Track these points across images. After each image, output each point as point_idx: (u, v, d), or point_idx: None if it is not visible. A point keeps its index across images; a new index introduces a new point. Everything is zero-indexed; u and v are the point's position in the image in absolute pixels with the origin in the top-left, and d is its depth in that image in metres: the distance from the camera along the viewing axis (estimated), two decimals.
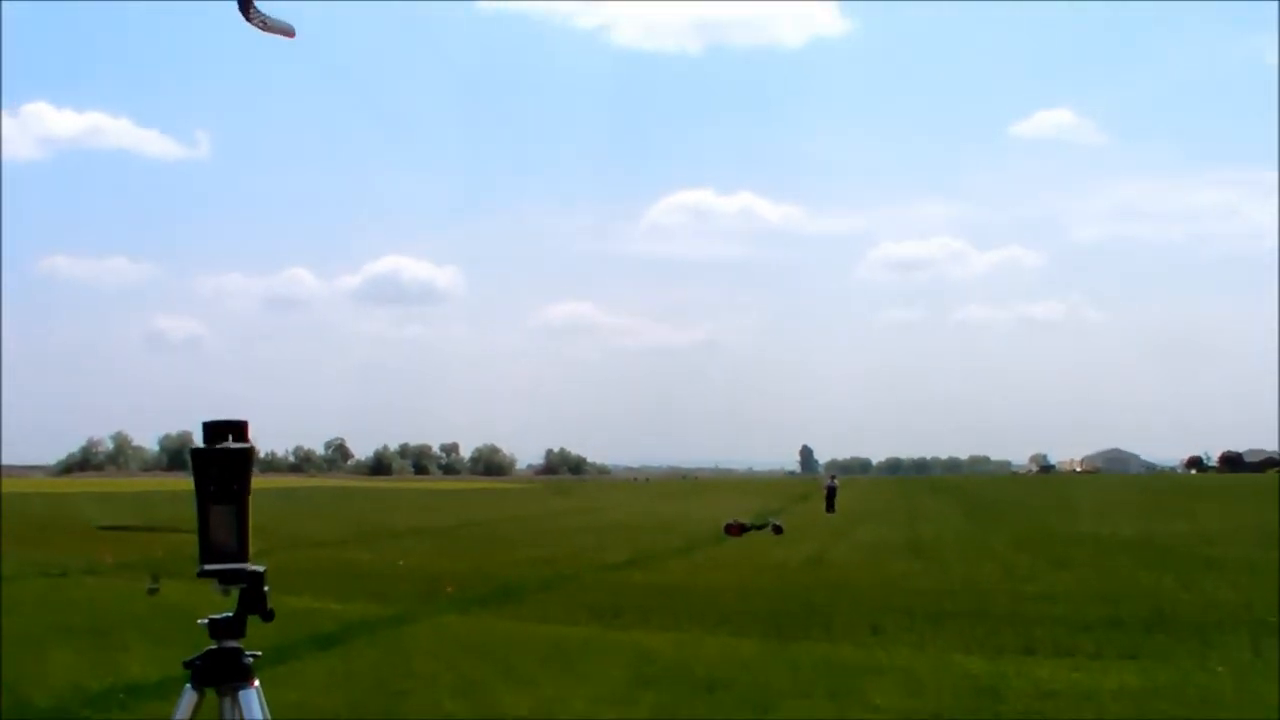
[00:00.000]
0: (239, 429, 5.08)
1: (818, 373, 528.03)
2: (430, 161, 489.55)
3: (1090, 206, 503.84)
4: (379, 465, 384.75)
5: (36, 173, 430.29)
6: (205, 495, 5.05)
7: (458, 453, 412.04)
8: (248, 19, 10.91)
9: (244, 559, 5.13)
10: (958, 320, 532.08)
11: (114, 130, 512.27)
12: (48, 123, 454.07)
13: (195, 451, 5.06)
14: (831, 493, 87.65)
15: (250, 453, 5.06)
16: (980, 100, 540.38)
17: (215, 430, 5.06)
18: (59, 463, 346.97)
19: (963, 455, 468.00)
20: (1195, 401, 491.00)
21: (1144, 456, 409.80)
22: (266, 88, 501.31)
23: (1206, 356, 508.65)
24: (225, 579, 5.16)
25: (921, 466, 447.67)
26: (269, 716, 5.29)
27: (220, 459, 5.00)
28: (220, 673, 5.24)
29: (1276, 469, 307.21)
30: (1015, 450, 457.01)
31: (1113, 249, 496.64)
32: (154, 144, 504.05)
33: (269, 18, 11.51)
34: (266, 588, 5.20)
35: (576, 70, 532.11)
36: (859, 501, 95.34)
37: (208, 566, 5.14)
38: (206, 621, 5.25)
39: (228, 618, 5.23)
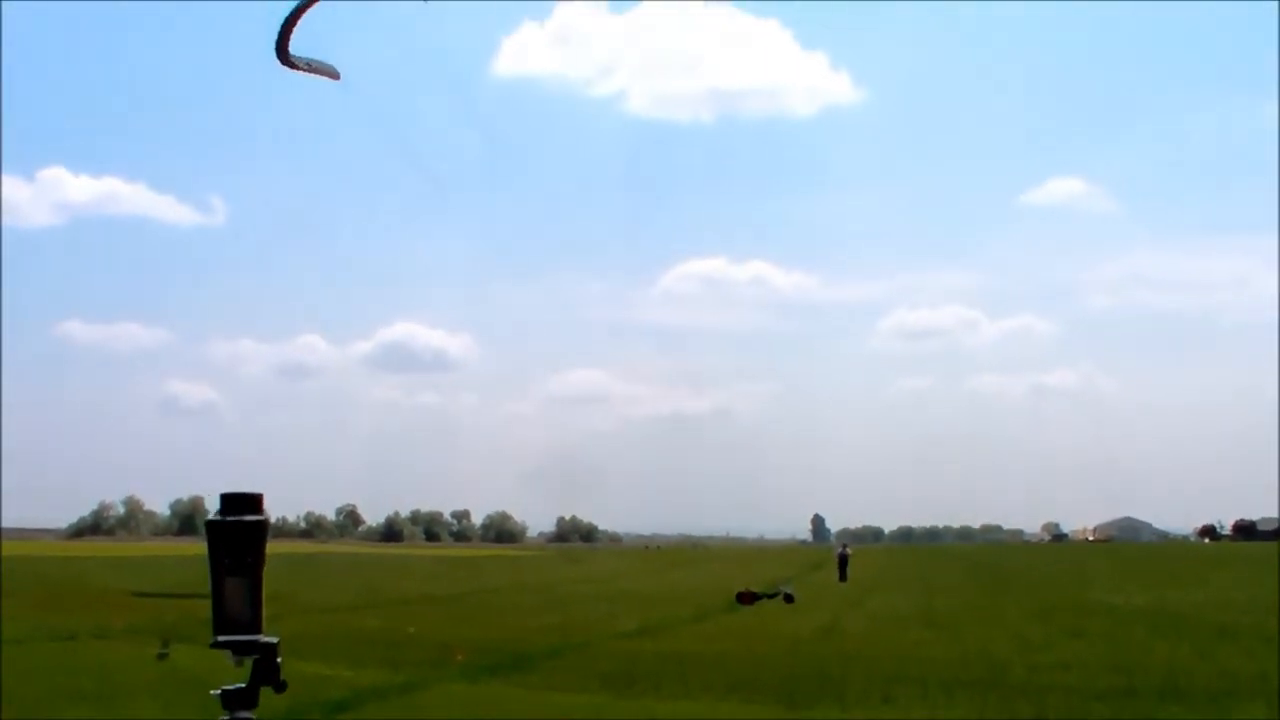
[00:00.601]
0: (255, 502, 5.13)
1: (829, 441, 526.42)
2: (443, 228, 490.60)
3: (1103, 274, 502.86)
4: (390, 531, 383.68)
5: (52, 238, 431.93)
6: (220, 567, 5.10)
7: (469, 519, 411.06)
8: (286, 63, 10.98)
9: (257, 630, 5.17)
10: (970, 388, 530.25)
11: (130, 195, 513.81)
12: (64, 187, 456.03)
13: (210, 523, 5.11)
14: (844, 561, 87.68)
15: (265, 526, 5.11)
16: (992, 168, 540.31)
17: (232, 502, 5.11)
18: (70, 526, 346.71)
19: (975, 523, 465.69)
20: (1208, 470, 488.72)
21: (1156, 525, 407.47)
22: (281, 154, 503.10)
23: (1219, 425, 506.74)
24: (239, 650, 5.20)
25: (934, 535, 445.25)
26: None
27: (235, 531, 5.05)
28: None
29: None
30: (1027, 518, 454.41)
31: (1125, 317, 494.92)
32: (169, 210, 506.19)
33: (312, 60, 11.61)
34: (279, 659, 5.24)
35: (591, 138, 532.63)
36: (871, 570, 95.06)
37: (221, 638, 5.18)
38: (220, 693, 5.28)
39: (241, 689, 5.26)
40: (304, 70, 11.06)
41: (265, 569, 5.23)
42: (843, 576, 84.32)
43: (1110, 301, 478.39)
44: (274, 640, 5.22)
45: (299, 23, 11.24)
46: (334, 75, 11.24)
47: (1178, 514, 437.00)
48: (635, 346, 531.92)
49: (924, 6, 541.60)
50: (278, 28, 11.27)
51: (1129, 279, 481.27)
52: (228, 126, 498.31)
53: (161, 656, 29.17)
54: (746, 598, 57.79)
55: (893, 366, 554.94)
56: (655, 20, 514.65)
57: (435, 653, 31.34)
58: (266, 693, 5.32)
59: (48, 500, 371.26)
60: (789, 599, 58.22)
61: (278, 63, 11.37)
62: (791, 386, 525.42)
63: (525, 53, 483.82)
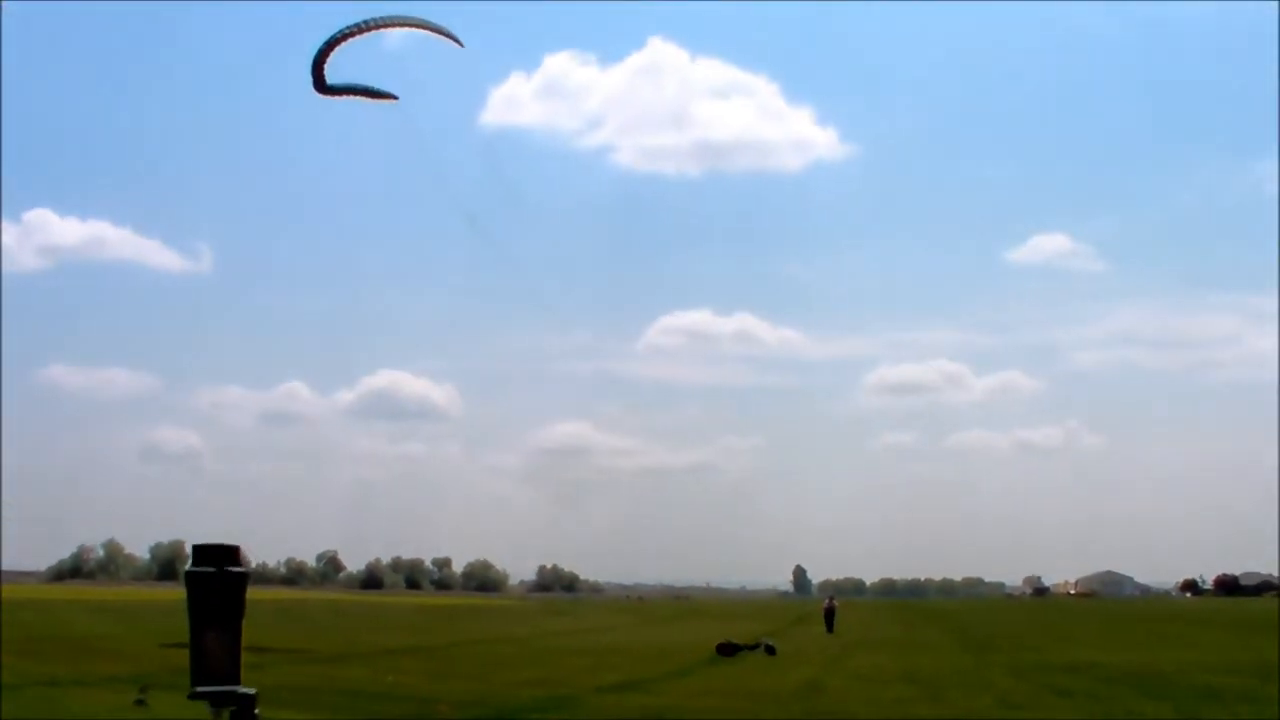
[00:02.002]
0: (231, 553, 5.08)
1: (812, 493, 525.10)
2: (429, 278, 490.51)
3: (1089, 332, 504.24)
4: (371, 579, 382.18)
5: (37, 282, 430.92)
6: (199, 617, 5.04)
7: (450, 567, 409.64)
8: (325, 92, 10.93)
9: (235, 681, 5.12)
10: (954, 444, 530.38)
11: (116, 240, 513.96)
12: (50, 230, 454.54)
13: (190, 574, 5.06)
14: (830, 613, 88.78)
15: (245, 578, 5.07)
16: (978, 225, 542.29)
17: (206, 554, 5.06)
18: (49, 569, 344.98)
19: (956, 576, 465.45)
20: (1190, 525, 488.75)
21: (1138, 579, 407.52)
22: (268, 201, 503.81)
23: (1203, 481, 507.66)
24: (217, 701, 5.14)
25: (916, 588, 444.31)
26: None
27: (215, 583, 5.00)
28: None
29: (1274, 593, 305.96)
30: (1009, 571, 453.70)
31: (1111, 375, 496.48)
32: (155, 255, 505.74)
33: (370, 86, 11.65)
34: (257, 710, 5.18)
35: (576, 191, 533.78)
36: (855, 627, 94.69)
37: (200, 689, 5.12)
38: None
39: None
40: (362, 95, 11.09)
41: (245, 619, 5.18)
42: (830, 628, 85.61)
43: (1096, 359, 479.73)
44: (252, 692, 5.16)
45: (331, 54, 11.29)
46: (393, 97, 11.29)
47: (1160, 568, 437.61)
48: (619, 399, 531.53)
49: (911, 63, 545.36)
50: (313, 60, 11.32)
51: (1114, 336, 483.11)
52: (216, 172, 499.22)
53: (139, 704, 28.97)
54: (727, 649, 57.62)
55: (878, 422, 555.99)
56: (643, 73, 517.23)
57: (417, 706, 31.16)
58: None
59: (27, 543, 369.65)
60: (770, 650, 58.07)
61: (317, 93, 11.41)
62: (776, 440, 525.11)
63: (513, 104, 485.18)
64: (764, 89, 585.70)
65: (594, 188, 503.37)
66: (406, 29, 12.14)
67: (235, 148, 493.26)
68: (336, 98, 11.70)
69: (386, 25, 11.60)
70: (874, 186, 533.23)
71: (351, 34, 11.04)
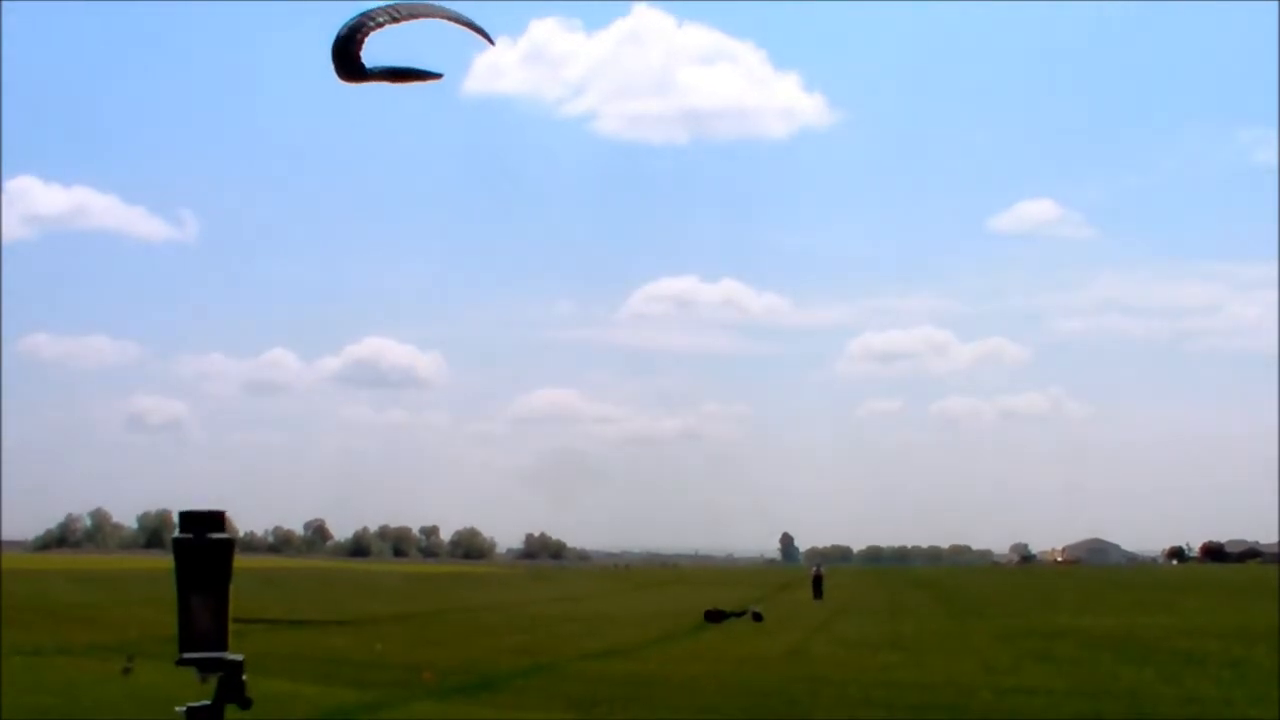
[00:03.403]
0: (217, 519, 5.11)
1: (799, 461, 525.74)
2: (414, 246, 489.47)
3: (1074, 300, 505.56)
4: (358, 547, 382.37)
5: (20, 251, 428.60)
6: (186, 584, 5.08)
7: (437, 535, 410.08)
8: (354, 78, 10.86)
9: (223, 648, 5.16)
10: (939, 411, 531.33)
11: (100, 208, 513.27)
12: (34, 198, 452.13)
13: (177, 541, 5.10)
14: (818, 580, 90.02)
15: (231, 544, 5.11)
16: (964, 191, 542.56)
17: (193, 520, 5.10)
18: (36, 539, 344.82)
19: (944, 544, 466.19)
20: (1176, 492, 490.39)
21: (1124, 546, 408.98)
22: (252, 169, 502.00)
23: (1188, 448, 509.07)
24: (204, 668, 5.18)
25: (902, 555, 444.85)
26: None
27: (201, 549, 5.04)
28: None
29: (1259, 560, 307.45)
30: (996, 539, 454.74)
31: (1096, 343, 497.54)
32: (140, 223, 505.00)
33: (414, 67, 11.58)
34: (245, 676, 5.22)
35: (561, 158, 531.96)
36: (841, 593, 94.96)
37: (187, 655, 5.17)
38: (185, 710, 5.26)
39: (206, 706, 5.24)
40: (412, 78, 11.02)
41: (232, 586, 5.22)
42: (818, 594, 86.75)
43: (1080, 326, 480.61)
44: (239, 658, 5.20)
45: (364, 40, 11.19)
46: (438, 76, 11.26)
47: (1146, 536, 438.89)
48: (605, 366, 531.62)
49: (899, 30, 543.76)
50: (338, 47, 11.18)
51: (1099, 304, 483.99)
52: (199, 140, 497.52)
53: (126, 672, 29.03)
54: (714, 616, 57.82)
55: (863, 389, 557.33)
56: (628, 40, 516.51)
57: (403, 673, 31.25)
58: (234, 712, 5.30)
59: (14, 513, 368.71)
60: (757, 618, 58.30)
61: (345, 80, 11.28)
62: (762, 408, 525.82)
63: (497, 71, 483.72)
64: (750, 56, 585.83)
65: (579, 155, 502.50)
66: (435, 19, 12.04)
67: (220, 115, 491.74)
68: (370, 83, 11.52)
69: (420, 15, 11.48)
70: (860, 153, 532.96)
71: (383, 22, 10.94)
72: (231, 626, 5.24)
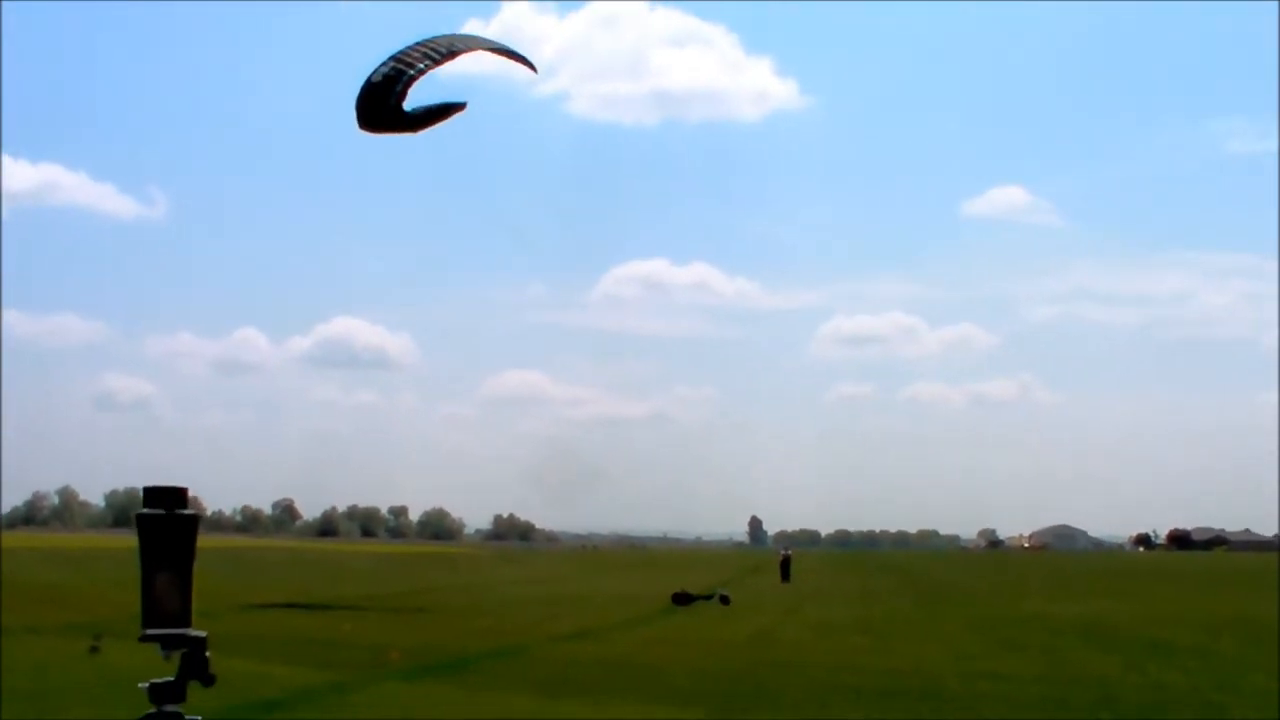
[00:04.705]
0: (180, 495, 5.07)
1: (767, 445, 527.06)
2: (384, 227, 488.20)
3: (1044, 287, 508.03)
4: (326, 527, 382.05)
5: None
6: (149, 560, 5.04)
7: (406, 516, 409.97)
8: (382, 128, 10.50)
9: (186, 624, 5.12)
10: (908, 396, 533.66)
11: (69, 185, 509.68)
12: (2, 174, 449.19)
13: (141, 517, 5.05)
14: (786, 563, 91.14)
15: (195, 520, 5.06)
16: (936, 176, 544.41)
17: (156, 496, 5.05)
18: (2, 517, 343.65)
19: (911, 529, 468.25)
20: (1143, 479, 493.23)
21: (1091, 532, 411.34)
22: (222, 147, 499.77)
23: (1156, 436, 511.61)
24: (167, 644, 5.13)
25: (871, 540, 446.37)
26: None
27: (165, 525, 4.99)
28: None
29: (1225, 547, 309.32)
30: (964, 524, 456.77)
31: (1066, 330, 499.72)
32: (109, 200, 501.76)
33: (445, 103, 11.21)
34: (208, 653, 5.18)
35: (532, 139, 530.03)
36: (809, 577, 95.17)
37: (150, 631, 5.12)
38: (147, 686, 5.21)
39: (169, 683, 5.19)
40: (437, 114, 10.71)
41: (198, 563, 5.18)
42: (785, 577, 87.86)
43: (1050, 313, 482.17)
44: (202, 634, 5.16)
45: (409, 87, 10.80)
46: (461, 107, 10.98)
47: (1113, 522, 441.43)
48: (575, 349, 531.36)
49: (872, 15, 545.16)
50: (375, 97, 10.78)
51: (1070, 292, 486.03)
52: (170, 117, 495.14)
53: (94, 651, 28.93)
54: (682, 599, 57.90)
55: (833, 373, 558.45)
56: (601, 22, 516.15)
57: (370, 653, 31.18)
58: (198, 691, 5.25)
59: None
60: (725, 600, 58.41)
61: (367, 130, 10.89)
62: (731, 391, 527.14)
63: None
64: (722, 39, 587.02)
65: (549, 136, 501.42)
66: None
67: (191, 93, 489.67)
68: (397, 133, 11.17)
69: (459, 51, 11.20)
70: (832, 137, 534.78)
71: (425, 69, 10.63)
72: (197, 606, 5.19)
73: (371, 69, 11.06)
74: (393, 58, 11.07)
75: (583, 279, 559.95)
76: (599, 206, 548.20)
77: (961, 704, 24.26)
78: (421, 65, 11.03)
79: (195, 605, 5.13)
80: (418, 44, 11.17)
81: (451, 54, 11.21)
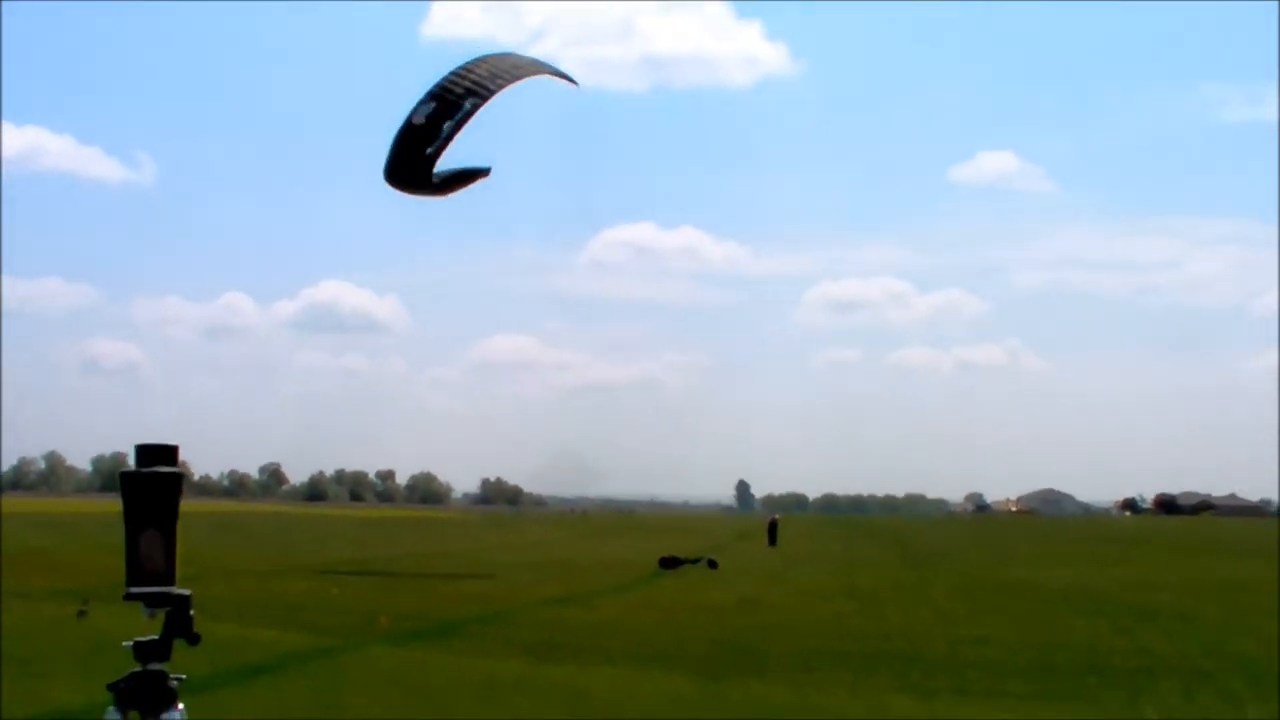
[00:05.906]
0: (170, 453, 5.04)
1: (755, 409, 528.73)
2: (371, 191, 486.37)
3: (1032, 253, 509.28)
4: (314, 491, 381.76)
5: None
6: (134, 518, 5.01)
7: (394, 480, 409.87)
8: (411, 188, 10.30)
9: (170, 582, 5.09)
10: (896, 361, 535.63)
11: (55, 148, 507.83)
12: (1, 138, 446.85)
13: (125, 474, 5.02)
14: (773, 527, 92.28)
15: (180, 478, 5.03)
16: (926, 141, 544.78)
17: (147, 454, 5.02)
18: (2, 477, 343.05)
19: (899, 493, 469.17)
20: (1130, 444, 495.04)
21: (1078, 497, 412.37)
22: (209, 112, 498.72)
23: (1143, 401, 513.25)
24: (151, 602, 5.11)
25: (858, 504, 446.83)
26: None
27: (150, 483, 4.95)
28: (145, 696, 5.17)
29: (1211, 512, 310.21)
30: (951, 488, 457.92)
31: (1054, 296, 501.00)
32: (95, 164, 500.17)
33: (470, 167, 10.97)
34: (193, 611, 5.15)
35: (519, 104, 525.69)
36: (796, 542, 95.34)
37: (134, 589, 5.10)
38: (132, 644, 5.19)
39: (153, 640, 5.17)
40: (456, 186, 10.50)
41: (185, 527, 5.15)
42: (772, 542, 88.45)
43: (1038, 279, 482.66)
44: (187, 593, 5.13)
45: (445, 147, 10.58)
46: (484, 173, 10.80)
47: (1100, 487, 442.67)
48: (563, 314, 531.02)
49: None
50: (409, 141, 10.52)
51: (1059, 257, 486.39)
52: (157, 81, 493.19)
53: (81, 615, 28.93)
54: (670, 563, 58.01)
55: (821, 338, 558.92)
56: None
57: (359, 618, 31.21)
58: (184, 651, 5.23)
59: None
60: (712, 565, 58.54)
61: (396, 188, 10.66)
62: (719, 356, 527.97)
63: (455, 16, 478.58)
64: (712, 4, 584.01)
65: (537, 100, 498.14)
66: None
67: (177, 57, 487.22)
68: (423, 195, 10.94)
69: (504, 82, 10.95)
70: (822, 103, 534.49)
71: (474, 108, 10.36)
72: (183, 571, 5.16)
73: (409, 106, 10.66)
74: (434, 95, 10.78)
75: (571, 243, 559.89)
76: (586, 170, 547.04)
77: (948, 668, 24.31)
78: (467, 105, 10.79)
79: (180, 570, 5.10)
80: (459, 72, 10.91)
81: (498, 85, 10.99)
